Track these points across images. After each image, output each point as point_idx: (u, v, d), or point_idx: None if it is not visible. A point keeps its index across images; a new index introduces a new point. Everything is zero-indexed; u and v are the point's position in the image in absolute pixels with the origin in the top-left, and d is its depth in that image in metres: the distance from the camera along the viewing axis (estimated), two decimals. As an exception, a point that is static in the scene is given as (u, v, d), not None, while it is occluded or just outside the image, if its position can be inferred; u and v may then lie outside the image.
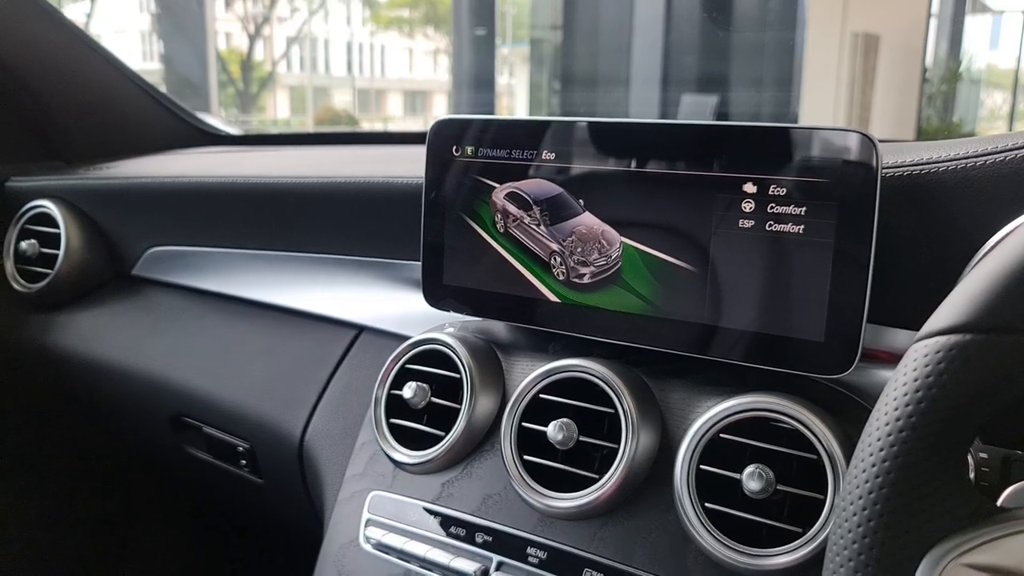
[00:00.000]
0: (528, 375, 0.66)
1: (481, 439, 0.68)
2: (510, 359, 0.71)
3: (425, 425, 0.70)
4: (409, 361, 0.73)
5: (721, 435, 0.57)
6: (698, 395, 0.62)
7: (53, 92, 1.22)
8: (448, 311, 0.73)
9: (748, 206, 0.58)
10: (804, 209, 0.56)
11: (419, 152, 1.07)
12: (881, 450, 0.35)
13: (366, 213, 0.87)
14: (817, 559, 0.52)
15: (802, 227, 0.56)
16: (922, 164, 0.56)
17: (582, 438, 0.62)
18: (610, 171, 0.64)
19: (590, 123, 0.65)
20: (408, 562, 0.67)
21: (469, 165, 0.70)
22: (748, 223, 0.58)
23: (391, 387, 0.73)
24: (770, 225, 0.57)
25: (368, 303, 0.87)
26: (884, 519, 0.34)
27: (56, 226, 1.10)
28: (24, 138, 1.24)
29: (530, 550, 0.62)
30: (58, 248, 1.09)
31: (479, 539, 0.64)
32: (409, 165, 0.87)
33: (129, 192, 1.10)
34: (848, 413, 0.57)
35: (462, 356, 0.69)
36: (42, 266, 1.11)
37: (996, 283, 0.35)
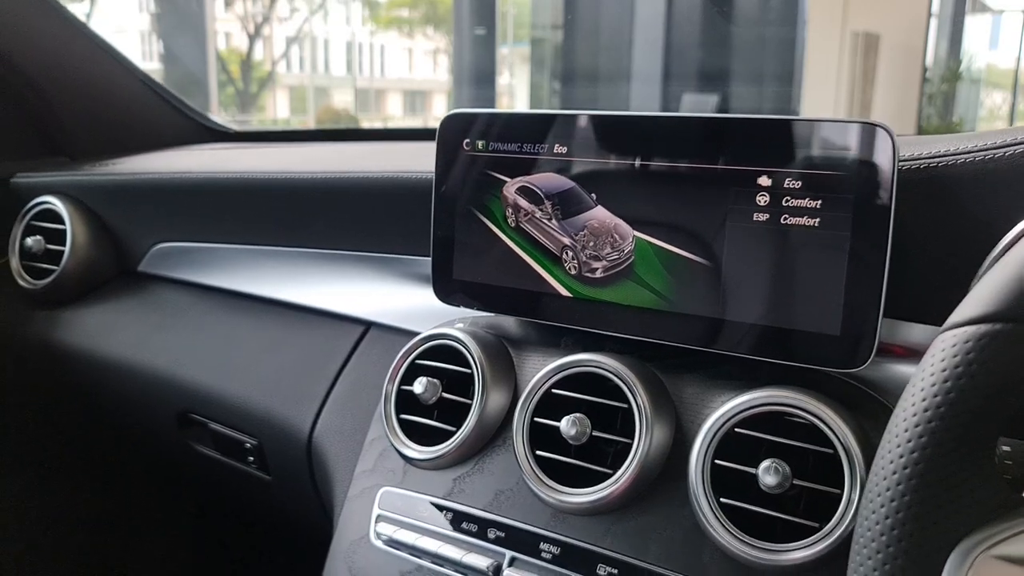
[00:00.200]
0: (540, 370, 0.66)
1: (492, 435, 0.68)
2: (521, 354, 0.71)
3: (436, 421, 0.70)
4: (419, 356, 0.72)
5: (736, 430, 0.57)
6: (712, 390, 0.62)
7: (58, 88, 1.21)
8: (458, 306, 0.73)
9: (763, 199, 0.57)
10: (820, 202, 0.55)
11: (426, 148, 1.07)
12: (909, 441, 0.34)
13: (374, 208, 0.87)
14: (834, 554, 0.52)
15: (818, 220, 0.56)
16: (939, 156, 0.55)
17: (595, 433, 0.61)
18: (623, 165, 0.63)
19: (603, 116, 0.64)
20: (420, 558, 0.66)
21: (479, 159, 0.70)
22: (763, 216, 0.57)
23: (401, 383, 0.72)
24: (785, 219, 0.57)
25: (376, 299, 0.87)
26: (913, 511, 0.33)
27: (62, 222, 1.10)
28: (28, 134, 1.24)
29: (543, 546, 0.62)
30: (64, 244, 1.09)
31: (491, 535, 0.64)
32: (416, 161, 0.87)
33: (135, 188, 1.09)
34: (864, 407, 0.57)
35: (473, 351, 0.69)
36: (48, 262, 1.11)
37: None
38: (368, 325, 0.87)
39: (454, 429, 0.68)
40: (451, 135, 0.71)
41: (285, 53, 11.06)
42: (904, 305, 0.58)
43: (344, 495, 0.75)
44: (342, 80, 12.03)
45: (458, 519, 0.66)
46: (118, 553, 1.30)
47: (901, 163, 0.56)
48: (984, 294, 0.35)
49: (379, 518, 0.70)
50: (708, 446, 0.57)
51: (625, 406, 0.61)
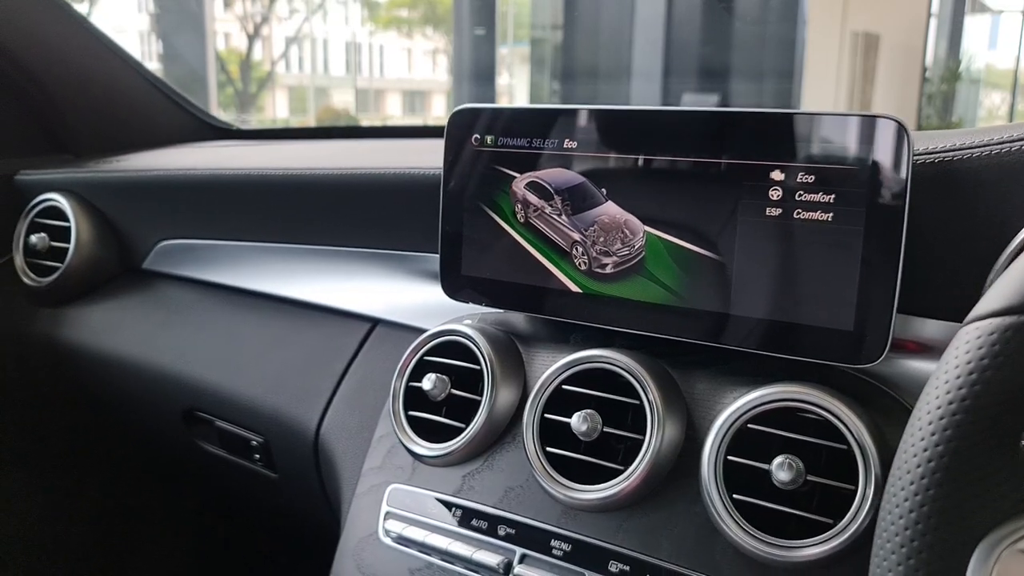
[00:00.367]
0: (549, 366, 0.65)
1: (502, 431, 0.68)
2: (530, 350, 0.70)
3: (444, 417, 0.69)
4: (428, 353, 0.72)
5: (749, 425, 0.56)
6: (723, 385, 0.61)
7: (62, 85, 1.21)
8: (466, 302, 0.72)
9: (775, 194, 0.57)
10: (833, 197, 0.55)
11: (431, 145, 1.07)
12: (933, 434, 0.34)
13: (380, 205, 0.87)
14: (848, 551, 0.51)
15: (831, 215, 0.55)
16: (954, 150, 0.55)
17: (606, 429, 0.61)
18: (634, 159, 0.63)
19: (614, 111, 0.64)
20: (429, 555, 0.66)
21: (488, 154, 0.70)
22: (775, 211, 0.57)
23: (409, 379, 0.72)
24: (798, 213, 0.56)
25: (383, 295, 0.87)
26: (938, 504, 0.33)
27: (66, 220, 1.09)
28: (32, 131, 1.23)
29: (554, 542, 0.61)
30: (68, 242, 1.08)
31: (502, 532, 0.64)
32: (421, 157, 0.87)
33: (140, 185, 1.09)
34: (877, 403, 0.56)
35: (482, 347, 0.69)
36: (52, 260, 1.10)
37: None
38: (375, 322, 0.87)
39: (463, 426, 0.68)
40: (460, 130, 0.71)
41: (284, 53, 11.07)
42: (916, 300, 0.58)
43: (352, 492, 0.74)
44: (341, 80, 12.04)
45: (468, 516, 0.66)
46: (122, 551, 1.29)
47: (915, 157, 0.55)
48: (1007, 287, 0.35)
49: (388, 515, 0.69)
50: (721, 442, 0.57)
51: (636, 402, 0.61)
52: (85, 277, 1.10)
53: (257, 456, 0.93)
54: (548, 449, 0.63)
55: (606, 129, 0.64)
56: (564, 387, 0.64)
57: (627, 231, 0.64)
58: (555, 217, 0.67)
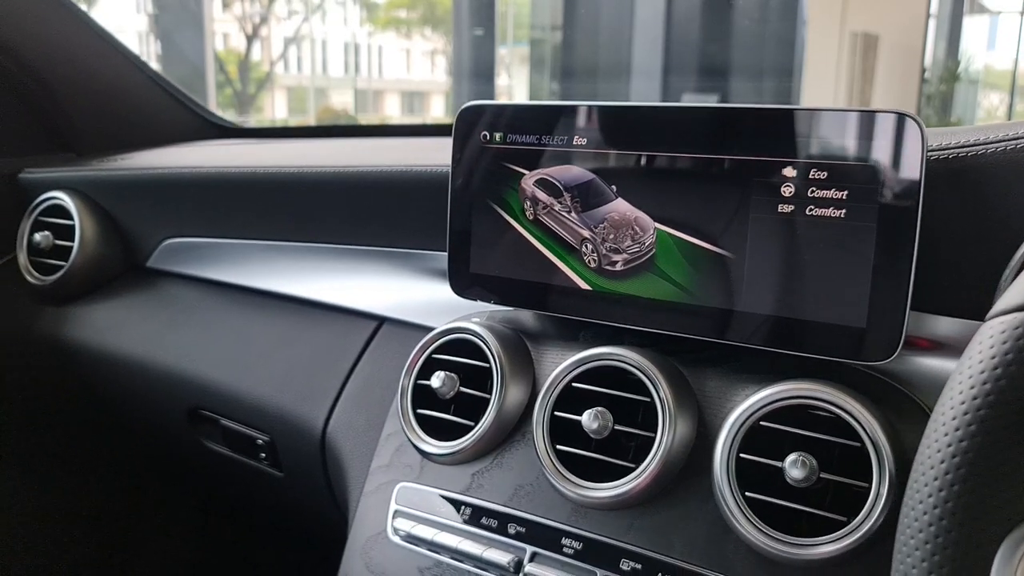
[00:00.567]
0: (558, 364, 0.65)
1: (511, 429, 0.67)
2: (539, 348, 0.70)
3: (453, 415, 0.69)
4: (436, 351, 0.72)
5: (761, 423, 0.56)
6: (734, 383, 0.61)
7: (65, 83, 1.21)
8: (475, 300, 0.72)
9: (787, 190, 0.57)
10: (846, 193, 0.55)
11: (436, 143, 1.06)
12: (957, 429, 0.34)
13: (386, 202, 0.86)
14: (862, 549, 0.51)
15: (844, 211, 0.55)
16: (969, 146, 0.55)
17: (617, 427, 0.61)
18: (644, 156, 0.63)
19: (624, 107, 0.64)
20: (438, 553, 0.66)
21: (497, 151, 0.69)
22: (787, 208, 0.57)
23: (418, 377, 0.72)
24: (810, 210, 0.56)
25: (389, 294, 0.86)
26: (963, 500, 0.33)
27: (70, 218, 1.09)
28: (35, 130, 1.23)
29: (565, 541, 0.61)
30: (72, 240, 1.08)
31: (512, 530, 0.63)
32: (427, 156, 0.86)
33: (145, 183, 1.08)
34: (890, 400, 0.56)
35: (492, 345, 0.68)
36: (56, 258, 1.10)
37: None
38: (381, 320, 0.86)
39: (472, 424, 0.67)
40: (468, 127, 0.71)
41: (283, 54, 11.06)
42: (929, 297, 0.58)
43: (359, 491, 0.74)
44: (340, 81, 12.04)
45: (477, 514, 0.65)
46: (125, 550, 1.29)
47: (929, 153, 0.55)
48: None
49: (396, 513, 0.69)
50: (733, 439, 0.56)
51: (647, 400, 0.60)
52: (89, 276, 1.09)
53: (263, 455, 0.93)
54: (558, 447, 0.63)
55: (616, 126, 0.64)
56: (574, 385, 0.64)
57: (637, 228, 0.63)
58: (564, 214, 0.67)
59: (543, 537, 0.62)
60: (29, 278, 1.11)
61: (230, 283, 1.00)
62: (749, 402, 0.57)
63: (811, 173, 0.56)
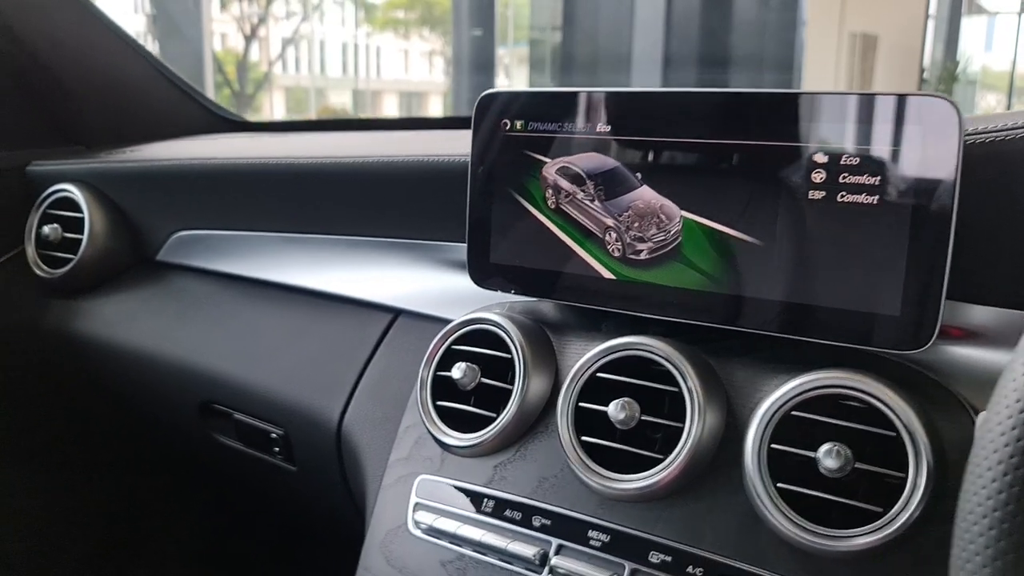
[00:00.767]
0: (582, 355, 0.64)
1: (534, 421, 0.66)
2: (561, 339, 0.69)
3: (474, 407, 0.68)
4: (456, 342, 0.71)
5: (793, 413, 0.55)
6: (764, 373, 0.60)
7: (74, 76, 1.20)
8: (495, 290, 0.71)
9: (819, 176, 0.56)
10: (879, 179, 0.54)
11: (445, 135, 1.06)
12: (1013, 428, 0.32)
13: (400, 193, 0.85)
14: (899, 540, 0.50)
15: (877, 198, 0.54)
16: (1007, 130, 0.54)
17: (644, 418, 0.60)
18: (669, 143, 0.62)
19: (647, 93, 0.63)
20: (461, 547, 0.65)
21: (518, 139, 0.68)
22: (818, 194, 0.56)
23: (437, 368, 0.71)
24: (842, 196, 0.55)
25: (404, 285, 0.85)
26: None
27: (79, 210, 1.08)
28: (44, 122, 1.22)
29: (591, 533, 0.60)
30: (81, 233, 1.07)
31: (536, 523, 0.62)
32: (440, 147, 0.85)
33: (155, 175, 1.07)
34: (924, 390, 0.55)
35: (513, 336, 0.67)
36: (65, 251, 1.09)
37: None
38: (397, 312, 0.85)
39: (494, 415, 0.66)
40: (488, 115, 0.70)
41: (281, 54, 11.05)
42: (962, 285, 0.57)
43: (377, 484, 0.73)
44: (338, 81, 12.03)
45: (501, 507, 0.64)
46: (135, 544, 1.28)
47: (966, 138, 0.54)
48: None
49: (417, 506, 0.68)
50: (764, 430, 0.55)
51: (675, 390, 0.59)
52: (98, 268, 1.08)
53: (276, 449, 0.92)
54: (583, 438, 0.62)
55: (641, 112, 0.63)
56: (599, 375, 0.63)
57: (663, 216, 0.62)
58: (587, 203, 0.66)
59: (569, 529, 0.61)
60: (38, 271, 1.10)
61: (242, 276, 0.99)
62: (780, 392, 0.56)
63: (843, 159, 0.55)
